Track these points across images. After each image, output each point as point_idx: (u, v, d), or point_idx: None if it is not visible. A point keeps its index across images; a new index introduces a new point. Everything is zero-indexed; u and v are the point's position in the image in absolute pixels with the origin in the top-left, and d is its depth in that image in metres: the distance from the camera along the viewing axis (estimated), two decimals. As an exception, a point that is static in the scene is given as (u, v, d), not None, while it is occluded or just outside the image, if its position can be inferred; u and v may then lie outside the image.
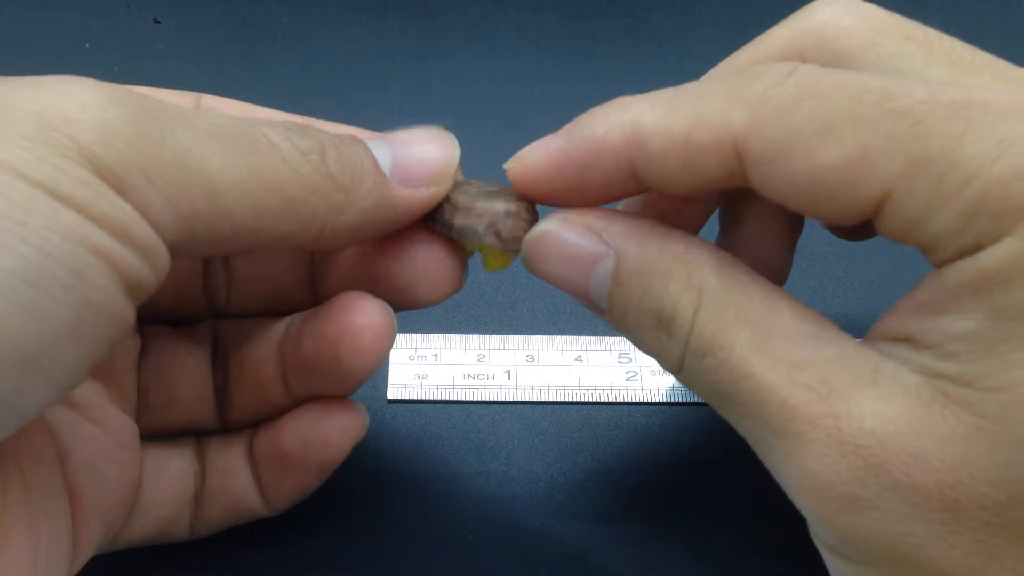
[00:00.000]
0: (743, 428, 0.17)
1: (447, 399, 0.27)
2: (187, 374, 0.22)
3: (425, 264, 0.20)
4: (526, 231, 0.19)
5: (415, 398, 0.27)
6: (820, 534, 0.17)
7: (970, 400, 0.15)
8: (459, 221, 0.20)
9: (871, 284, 0.30)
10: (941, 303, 0.15)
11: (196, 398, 0.22)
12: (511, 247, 0.20)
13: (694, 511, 0.25)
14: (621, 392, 0.27)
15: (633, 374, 0.28)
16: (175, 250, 0.16)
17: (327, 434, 0.21)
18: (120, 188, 0.14)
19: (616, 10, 0.38)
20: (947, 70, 0.17)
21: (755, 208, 0.22)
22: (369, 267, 0.21)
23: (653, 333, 0.18)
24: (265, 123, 0.17)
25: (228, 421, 0.23)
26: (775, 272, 0.23)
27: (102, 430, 0.20)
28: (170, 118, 0.16)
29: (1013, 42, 0.37)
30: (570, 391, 0.27)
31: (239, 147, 0.16)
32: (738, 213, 0.22)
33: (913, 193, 0.15)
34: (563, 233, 0.19)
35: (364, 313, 0.20)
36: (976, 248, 0.15)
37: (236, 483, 0.22)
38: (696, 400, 0.27)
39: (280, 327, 0.22)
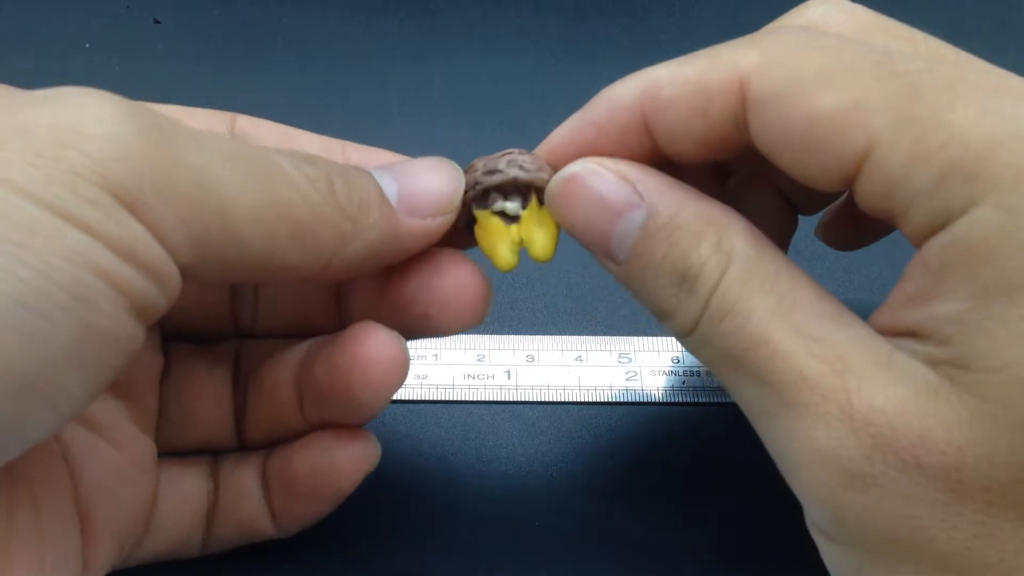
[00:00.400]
0: (749, 396, 0.17)
1: (447, 399, 0.27)
2: (207, 393, 0.22)
3: (449, 293, 0.20)
4: (547, 172, 0.19)
5: (415, 398, 0.27)
6: (817, 518, 0.17)
7: (970, 383, 0.15)
8: (480, 171, 0.20)
9: (871, 284, 0.30)
10: (928, 289, 0.15)
11: (216, 418, 0.22)
12: (537, 178, 0.19)
13: (694, 511, 0.25)
14: (621, 392, 0.27)
15: (633, 374, 0.28)
16: (190, 271, 0.16)
17: (338, 464, 0.21)
18: (132, 206, 0.14)
19: (616, 10, 0.38)
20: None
21: (747, 211, 0.22)
22: (392, 293, 0.21)
23: (672, 291, 0.18)
24: (275, 150, 0.17)
25: (245, 440, 0.22)
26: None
27: (119, 451, 0.19)
28: (185, 138, 0.15)
29: (1013, 42, 0.37)
30: (570, 391, 0.27)
31: (253, 171, 0.16)
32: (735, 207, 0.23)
33: (895, 149, 0.15)
34: (596, 177, 0.18)
35: (376, 345, 0.19)
36: (947, 216, 0.15)
37: (248, 504, 0.22)
38: (696, 400, 0.27)
39: (300, 350, 0.22)
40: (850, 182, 0.16)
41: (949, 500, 0.15)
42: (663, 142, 0.18)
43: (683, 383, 0.28)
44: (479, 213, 0.20)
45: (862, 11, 0.19)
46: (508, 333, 0.29)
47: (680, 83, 0.18)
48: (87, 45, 0.36)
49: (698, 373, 0.28)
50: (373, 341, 0.19)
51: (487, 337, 0.29)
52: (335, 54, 0.36)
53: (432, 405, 0.27)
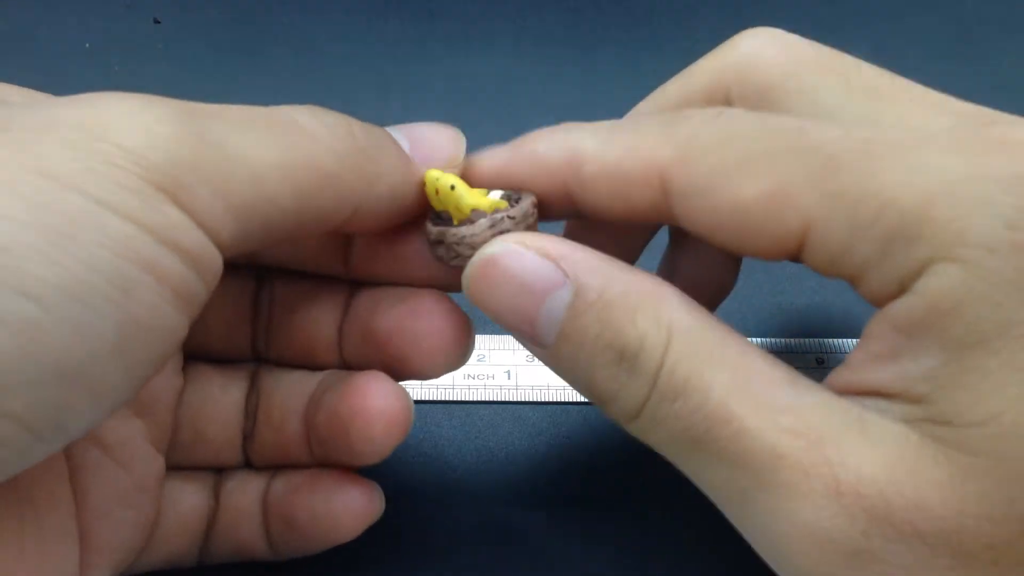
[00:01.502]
0: (713, 480, 0.16)
1: (447, 399, 0.27)
2: (219, 415, 0.22)
3: (426, 333, 0.20)
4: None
5: (415, 398, 0.27)
6: None
7: (957, 439, 0.14)
8: (449, 239, 0.19)
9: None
10: (895, 348, 0.15)
11: (224, 439, 0.22)
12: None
13: (695, 511, 0.25)
14: (621, 392, 0.27)
15: (633, 374, 0.28)
16: (232, 246, 0.16)
17: (338, 514, 0.21)
18: (170, 191, 0.14)
19: (616, 10, 0.38)
20: (864, 99, 0.18)
21: (690, 242, 0.23)
22: (374, 334, 0.20)
23: (610, 371, 0.17)
24: (291, 108, 0.17)
25: (250, 462, 0.22)
26: (721, 287, 0.23)
27: (128, 473, 0.19)
28: (202, 114, 0.15)
29: (1013, 42, 0.37)
30: (570, 391, 0.27)
31: (272, 132, 0.16)
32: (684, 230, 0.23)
33: (831, 225, 0.15)
34: (516, 257, 0.17)
35: (379, 397, 0.19)
36: (900, 280, 0.15)
37: (246, 528, 0.21)
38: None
39: (311, 383, 0.21)
40: (795, 255, 0.16)
41: (954, 565, 0.14)
42: (584, 210, 0.19)
43: (683, 383, 0.28)
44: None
45: (796, 42, 0.19)
46: (508, 333, 0.29)
47: (600, 164, 0.18)
48: (87, 45, 0.36)
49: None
50: (375, 393, 0.19)
51: (487, 337, 0.29)
52: (335, 54, 0.36)
53: (432, 405, 0.27)
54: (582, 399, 0.27)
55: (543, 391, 0.27)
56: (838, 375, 0.16)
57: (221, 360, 0.22)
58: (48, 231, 0.13)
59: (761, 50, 0.19)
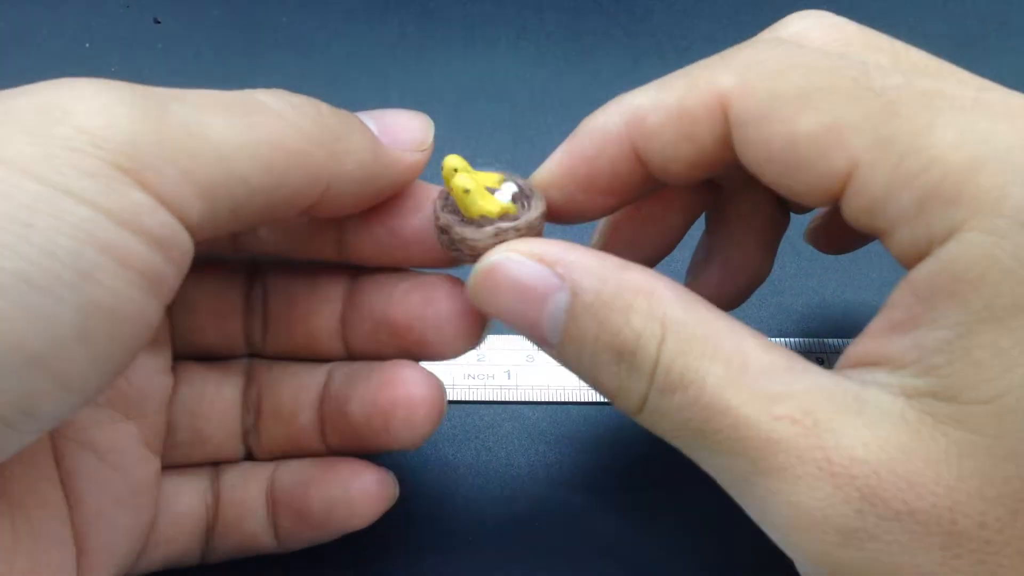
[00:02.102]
0: (717, 467, 0.17)
1: (447, 399, 0.27)
2: (216, 412, 0.22)
3: (444, 317, 0.20)
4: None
5: (415, 398, 0.27)
6: None
7: (957, 416, 0.14)
8: (455, 234, 0.19)
9: (871, 284, 0.30)
10: (915, 316, 0.15)
11: (224, 436, 0.22)
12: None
13: (695, 511, 0.25)
14: (621, 392, 0.27)
15: (633, 374, 0.28)
16: (202, 228, 0.16)
17: (355, 500, 0.21)
18: (133, 173, 0.14)
19: (616, 10, 0.38)
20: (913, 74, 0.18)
21: (740, 208, 0.22)
22: (390, 319, 0.21)
23: (612, 368, 0.17)
24: (256, 91, 0.17)
25: (253, 456, 0.22)
26: (757, 272, 0.23)
27: (122, 476, 0.19)
28: (165, 97, 0.16)
29: (1013, 42, 0.37)
30: (570, 391, 0.27)
31: (236, 112, 0.16)
32: (723, 212, 0.23)
33: (876, 170, 0.15)
34: (514, 266, 0.18)
35: (418, 385, 0.20)
36: (930, 240, 0.15)
37: (251, 522, 0.21)
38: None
39: (319, 376, 0.22)
40: (836, 199, 0.16)
41: (947, 543, 0.14)
42: (655, 168, 0.18)
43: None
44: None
45: (844, 24, 0.19)
46: (508, 333, 0.29)
47: (663, 110, 0.18)
48: (87, 45, 0.36)
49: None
50: (414, 381, 0.20)
51: (487, 337, 0.29)
52: (335, 54, 0.36)
53: (432, 405, 0.27)
54: (582, 399, 0.27)
55: (543, 391, 0.27)
56: (856, 343, 0.16)
57: (213, 357, 0.22)
58: (4, 219, 0.13)
59: (809, 31, 0.19)
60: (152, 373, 0.21)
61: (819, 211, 0.26)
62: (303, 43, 0.37)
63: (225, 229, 0.17)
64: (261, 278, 0.22)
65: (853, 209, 0.16)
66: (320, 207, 0.18)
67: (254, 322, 0.22)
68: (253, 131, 0.16)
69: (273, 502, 0.21)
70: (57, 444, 0.18)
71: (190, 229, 0.15)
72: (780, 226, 0.23)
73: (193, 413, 0.22)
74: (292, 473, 0.22)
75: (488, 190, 0.20)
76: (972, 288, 0.14)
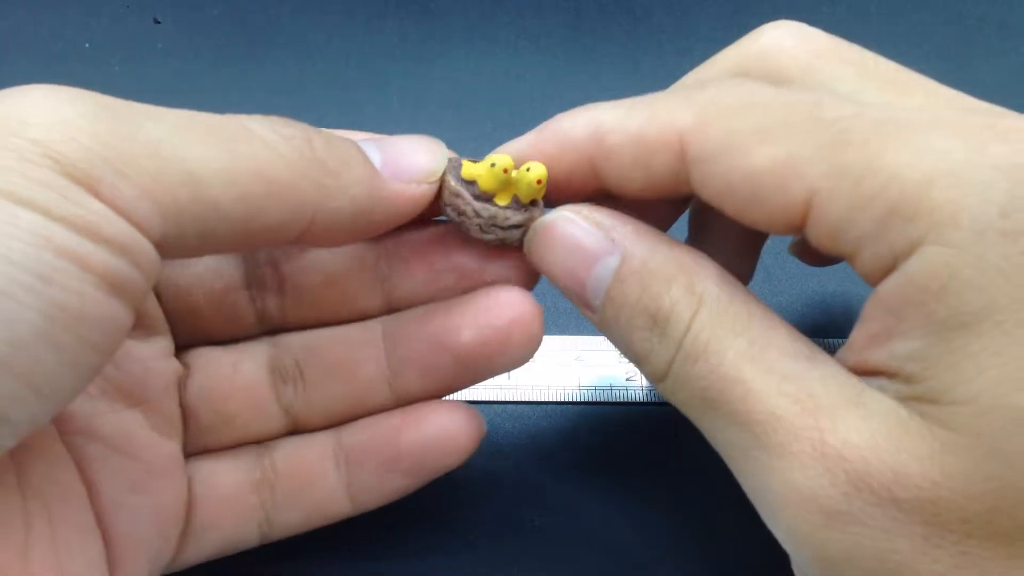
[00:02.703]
0: (725, 438, 0.17)
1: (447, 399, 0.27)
2: (238, 391, 0.22)
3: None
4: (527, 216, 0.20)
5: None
6: (801, 561, 0.17)
7: (940, 417, 0.15)
8: (472, 216, 0.20)
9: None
10: (888, 328, 0.16)
11: (254, 413, 0.22)
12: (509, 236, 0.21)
13: (695, 511, 0.25)
14: (621, 392, 0.27)
15: (633, 374, 0.28)
16: (167, 246, 0.16)
17: (450, 439, 0.21)
18: (89, 184, 0.14)
19: (616, 10, 0.38)
20: (879, 90, 0.18)
21: (715, 223, 0.23)
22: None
23: (645, 334, 0.18)
24: (245, 117, 0.17)
25: (303, 426, 0.22)
26: (737, 275, 0.23)
27: (135, 462, 0.19)
28: (138, 113, 0.16)
29: (1013, 42, 0.37)
30: (570, 391, 0.27)
31: (216, 136, 0.16)
32: (704, 216, 0.23)
33: (835, 196, 0.16)
34: (572, 225, 0.19)
35: (527, 301, 0.21)
36: (894, 257, 0.15)
37: (320, 487, 0.22)
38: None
39: (373, 329, 0.22)
40: (799, 227, 0.17)
41: (928, 533, 0.15)
42: (610, 184, 0.19)
43: (683, 383, 0.28)
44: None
45: (816, 35, 0.19)
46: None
47: (623, 134, 0.18)
48: (87, 45, 0.36)
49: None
50: (522, 299, 0.21)
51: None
52: (335, 54, 0.36)
53: (432, 405, 0.27)
54: (581, 399, 0.27)
55: (543, 391, 0.27)
56: (843, 355, 0.17)
57: (226, 341, 0.22)
58: None
59: (781, 41, 0.19)
60: (148, 360, 0.20)
61: None
62: (303, 43, 0.37)
63: (197, 251, 0.17)
64: (266, 252, 0.22)
65: (817, 235, 0.16)
66: (309, 237, 0.18)
67: (267, 297, 0.22)
68: (231, 157, 0.16)
69: (349, 461, 0.22)
70: (64, 440, 0.18)
71: (153, 242, 0.15)
72: (760, 236, 0.24)
73: (211, 396, 0.22)
74: (366, 428, 0.22)
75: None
76: (937, 299, 0.15)
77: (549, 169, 0.19)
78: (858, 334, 0.16)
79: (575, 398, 0.27)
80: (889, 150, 0.15)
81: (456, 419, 0.21)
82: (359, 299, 0.22)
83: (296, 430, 0.22)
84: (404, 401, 0.22)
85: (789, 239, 0.27)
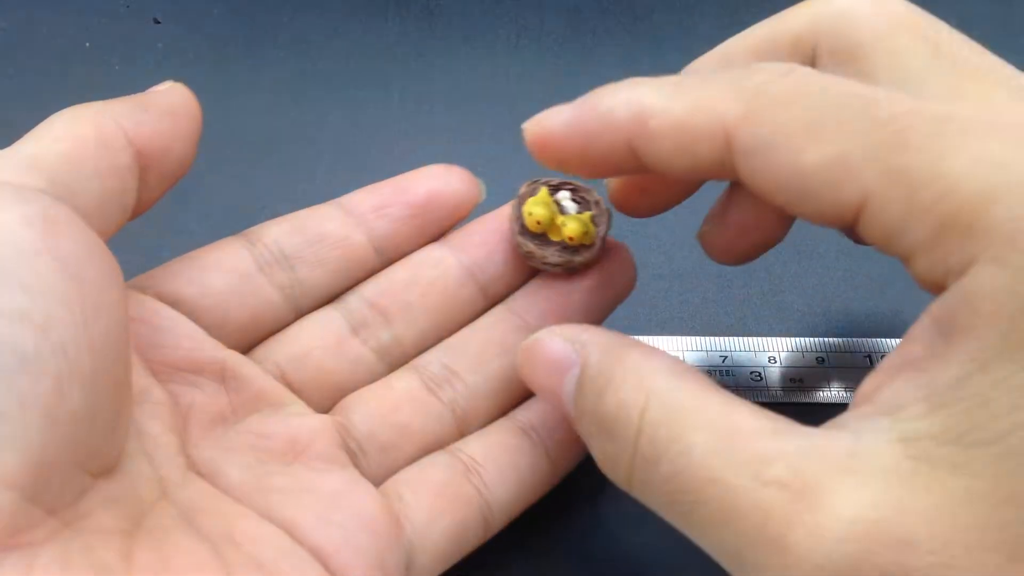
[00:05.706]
0: (713, 542, 0.16)
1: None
2: (403, 403, 0.23)
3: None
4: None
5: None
6: None
7: (955, 461, 0.14)
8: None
9: (871, 284, 0.30)
10: (932, 351, 0.15)
11: (423, 419, 0.23)
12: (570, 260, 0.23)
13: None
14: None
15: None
16: None
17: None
18: None
19: (616, 9, 0.38)
20: (947, 74, 0.17)
21: (744, 199, 0.22)
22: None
23: (599, 440, 0.18)
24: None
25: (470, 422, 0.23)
26: (770, 235, 0.23)
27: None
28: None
29: (1013, 42, 0.37)
30: (570, 391, 0.27)
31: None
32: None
33: (889, 202, 0.15)
34: (546, 343, 0.20)
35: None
36: (947, 271, 0.14)
37: (522, 457, 0.22)
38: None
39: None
40: (850, 226, 0.16)
41: None
42: (651, 166, 0.18)
43: (683, 383, 0.27)
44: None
45: (895, 3, 0.18)
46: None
47: (667, 119, 0.17)
48: (87, 45, 0.36)
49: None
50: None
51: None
52: (335, 54, 0.36)
53: (432, 405, 0.27)
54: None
55: (543, 391, 0.27)
56: (870, 379, 0.16)
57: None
58: None
59: (857, 6, 0.18)
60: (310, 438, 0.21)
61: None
62: (303, 43, 0.37)
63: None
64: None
65: (870, 236, 0.16)
66: None
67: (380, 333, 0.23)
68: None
69: (538, 431, 0.23)
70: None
71: None
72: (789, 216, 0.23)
73: (381, 416, 0.22)
74: (532, 405, 0.23)
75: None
76: (987, 323, 0.14)
77: (587, 148, 0.19)
78: (896, 355, 0.16)
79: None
80: (948, 155, 0.14)
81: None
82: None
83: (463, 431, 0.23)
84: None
85: (792, 239, 0.27)
